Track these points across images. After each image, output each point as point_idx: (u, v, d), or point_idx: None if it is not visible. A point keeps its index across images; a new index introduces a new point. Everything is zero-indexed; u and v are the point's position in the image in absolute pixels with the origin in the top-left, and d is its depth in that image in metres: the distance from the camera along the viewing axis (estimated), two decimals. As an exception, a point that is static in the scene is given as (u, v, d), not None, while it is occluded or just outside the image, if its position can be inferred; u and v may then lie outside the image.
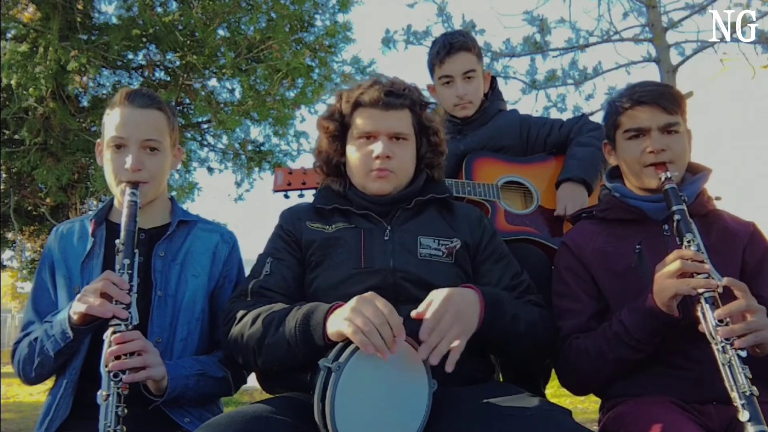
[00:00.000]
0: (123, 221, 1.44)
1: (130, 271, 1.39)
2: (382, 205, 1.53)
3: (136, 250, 1.43)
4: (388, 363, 1.14)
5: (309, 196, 2.09)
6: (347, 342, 1.15)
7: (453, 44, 2.14)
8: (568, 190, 2.05)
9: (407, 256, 1.46)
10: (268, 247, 1.56)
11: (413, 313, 1.22)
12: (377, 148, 1.49)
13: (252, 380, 1.66)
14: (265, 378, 1.47)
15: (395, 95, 1.51)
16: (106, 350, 1.29)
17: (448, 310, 1.20)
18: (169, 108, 1.63)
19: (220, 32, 6.92)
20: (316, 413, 1.11)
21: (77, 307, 1.36)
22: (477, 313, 1.27)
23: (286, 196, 2.11)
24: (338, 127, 1.58)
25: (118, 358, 1.28)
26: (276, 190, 2.10)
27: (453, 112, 2.21)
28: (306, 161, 2.01)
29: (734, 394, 1.15)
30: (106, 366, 1.28)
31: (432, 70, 2.24)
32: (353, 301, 1.17)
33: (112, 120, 1.55)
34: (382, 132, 1.50)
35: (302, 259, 1.52)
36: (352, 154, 1.55)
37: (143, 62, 7.21)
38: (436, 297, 1.23)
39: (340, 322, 1.16)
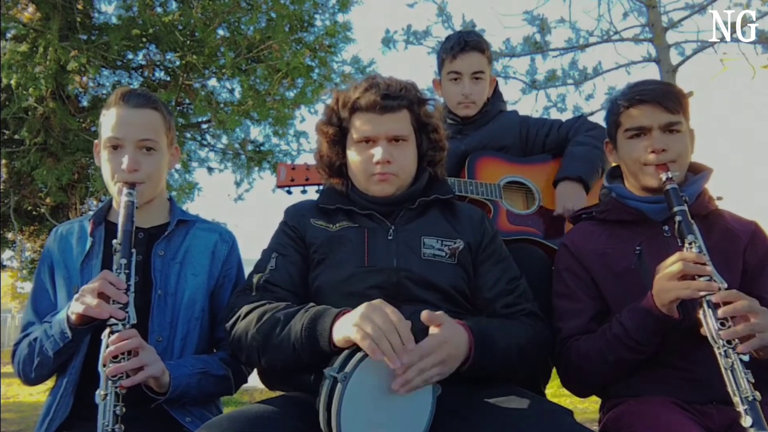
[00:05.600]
0: (120, 221, 1.44)
1: (127, 271, 1.38)
2: (385, 206, 1.53)
3: (134, 250, 1.42)
4: (393, 371, 1.13)
5: (312, 193, 2.09)
6: (353, 350, 1.14)
7: (468, 42, 2.16)
8: (566, 188, 2.05)
9: (411, 255, 1.45)
10: (272, 242, 1.56)
11: (424, 316, 1.21)
12: (377, 153, 1.49)
13: (252, 380, 1.66)
14: (267, 375, 1.47)
15: (392, 97, 1.50)
16: (104, 351, 1.29)
17: (437, 351, 1.18)
18: (164, 107, 1.62)
19: (220, 32, 6.91)
20: (321, 422, 1.10)
21: (75, 308, 1.36)
22: (460, 359, 1.24)
23: (289, 192, 2.11)
24: (337, 131, 1.58)
25: (115, 358, 1.28)
26: (279, 186, 2.10)
27: (455, 110, 2.22)
28: (306, 161, 2.02)
29: (737, 399, 1.14)
30: (104, 366, 1.28)
31: (441, 64, 2.24)
32: (362, 308, 1.16)
33: (108, 120, 1.55)
34: (381, 136, 1.50)
35: (306, 255, 1.51)
36: (353, 158, 1.55)
37: (143, 62, 7.21)
38: (437, 335, 1.20)
39: (348, 328, 1.15)
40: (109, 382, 1.26)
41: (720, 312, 1.21)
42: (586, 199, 2.04)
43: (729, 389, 1.16)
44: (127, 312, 1.34)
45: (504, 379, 1.37)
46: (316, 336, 1.21)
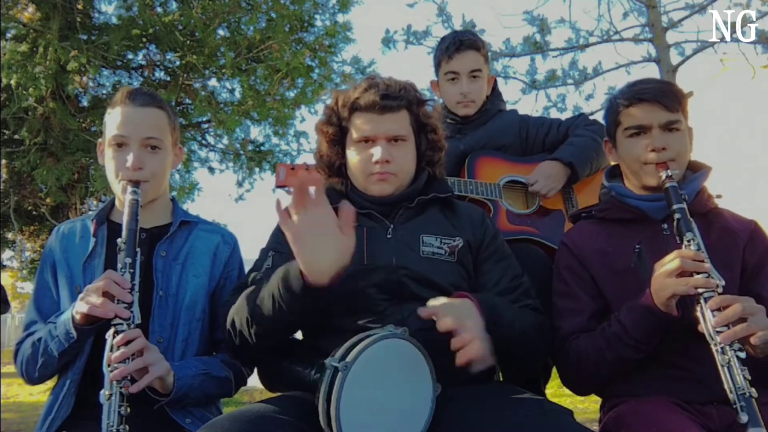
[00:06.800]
0: (124, 219, 1.44)
1: (131, 270, 1.38)
2: (384, 205, 1.53)
3: (138, 249, 1.42)
4: (394, 365, 1.14)
5: None
6: (354, 342, 1.15)
7: (463, 42, 2.16)
8: (548, 167, 2.06)
9: (410, 253, 1.46)
10: (270, 241, 1.56)
11: (423, 313, 1.23)
12: (376, 152, 1.49)
13: (252, 380, 1.66)
14: (267, 375, 1.47)
15: (391, 97, 1.50)
16: (108, 351, 1.29)
17: (456, 313, 1.21)
18: (169, 107, 1.63)
19: (220, 32, 6.93)
20: (320, 413, 1.10)
21: (80, 307, 1.36)
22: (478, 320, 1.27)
23: (289, 192, 2.12)
24: (337, 131, 1.58)
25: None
26: (279, 186, 2.11)
27: (455, 110, 2.22)
28: (306, 161, 2.03)
29: (733, 396, 1.15)
30: (108, 366, 1.28)
31: (438, 65, 2.24)
32: None
33: (113, 119, 1.55)
34: (381, 136, 1.50)
35: None
36: (352, 157, 1.55)
37: (143, 62, 7.23)
38: (445, 305, 1.24)
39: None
40: (114, 381, 1.26)
41: (715, 321, 1.21)
42: (563, 182, 2.06)
43: (725, 386, 1.16)
44: (131, 311, 1.34)
45: (509, 360, 1.38)
46: (289, 279, 1.25)
